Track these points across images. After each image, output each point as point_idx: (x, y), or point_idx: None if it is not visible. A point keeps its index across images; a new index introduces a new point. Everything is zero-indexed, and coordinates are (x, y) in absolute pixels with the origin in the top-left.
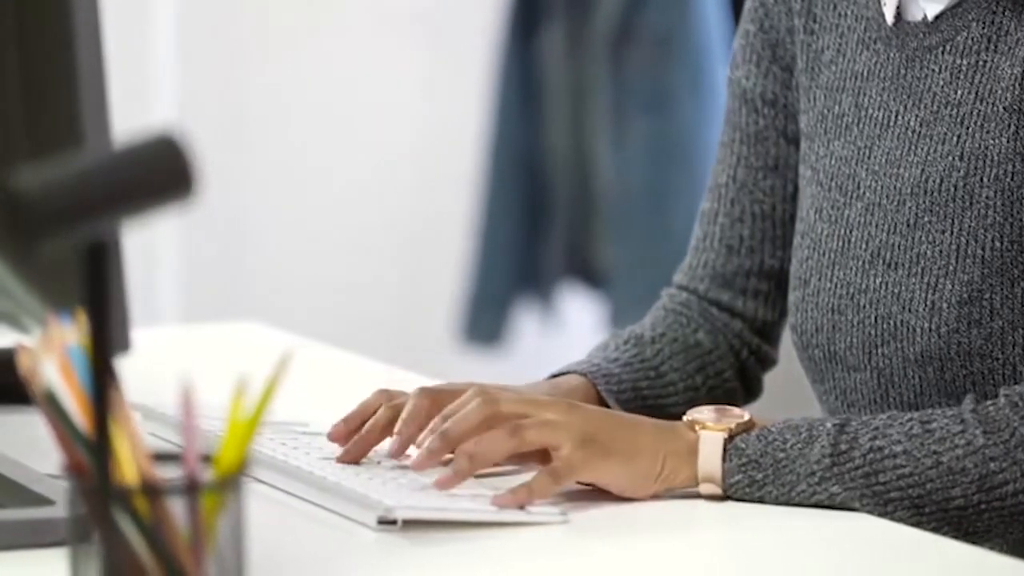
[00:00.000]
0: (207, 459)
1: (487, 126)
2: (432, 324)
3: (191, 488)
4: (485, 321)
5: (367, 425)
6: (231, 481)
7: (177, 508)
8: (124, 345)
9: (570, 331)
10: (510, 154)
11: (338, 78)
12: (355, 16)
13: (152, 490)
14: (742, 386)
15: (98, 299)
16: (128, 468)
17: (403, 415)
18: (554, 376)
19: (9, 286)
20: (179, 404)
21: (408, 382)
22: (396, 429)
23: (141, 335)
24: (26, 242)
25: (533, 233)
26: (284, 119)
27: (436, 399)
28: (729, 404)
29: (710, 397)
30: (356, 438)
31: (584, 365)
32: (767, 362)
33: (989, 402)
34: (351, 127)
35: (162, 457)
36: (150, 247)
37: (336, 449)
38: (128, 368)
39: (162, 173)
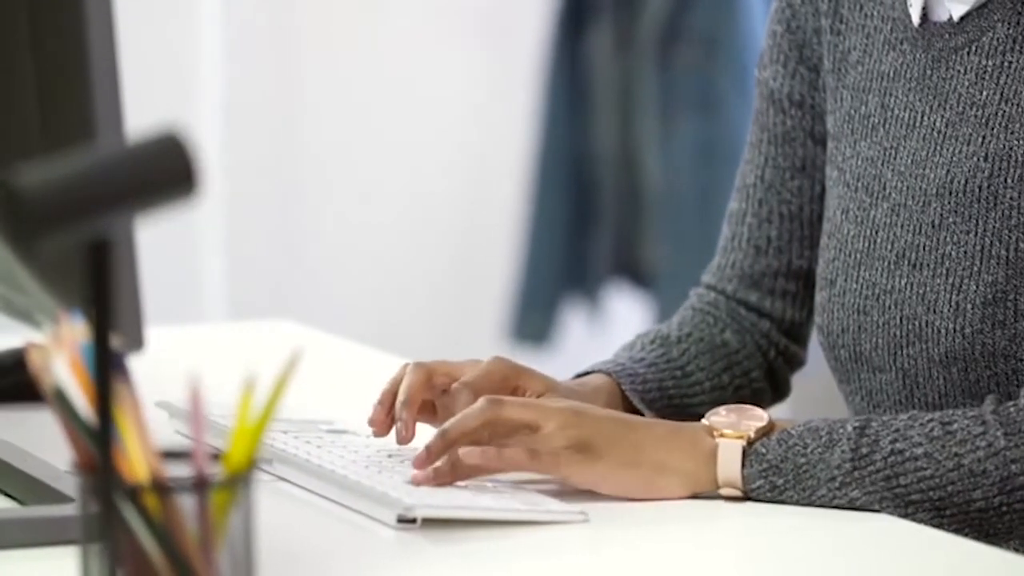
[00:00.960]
0: (217, 456)
1: (535, 126)
2: (480, 323)
3: (200, 485)
4: (533, 320)
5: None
6: (240, 479)
7: (186, 506)
8: (138, 343)
9: (617, 330)
10: (558, 154)
11: (387, 78)
12: (405, 17)
13: (159, 487)
14: (770, 386)
15: (100, 297)
16: (137, 465)
17: (400, 397)
18: (580, 376)
19: (23, 283)
20: (187, 402)
21: None
22: (396, 413)
23: (172, 333)
24: (27, 240)
25: (581, 233)
26: (333, 118)
27: (432, 372)
28: (755, 404)
29: (737, 397)
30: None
31: (609, 365)
32: (795, 362)
33: (1010, 403)
34: (400, 127)
35: (173, 454)
36: (197, 245)
37: (359, 446)
38: (157, 365)
39: (164, 171)
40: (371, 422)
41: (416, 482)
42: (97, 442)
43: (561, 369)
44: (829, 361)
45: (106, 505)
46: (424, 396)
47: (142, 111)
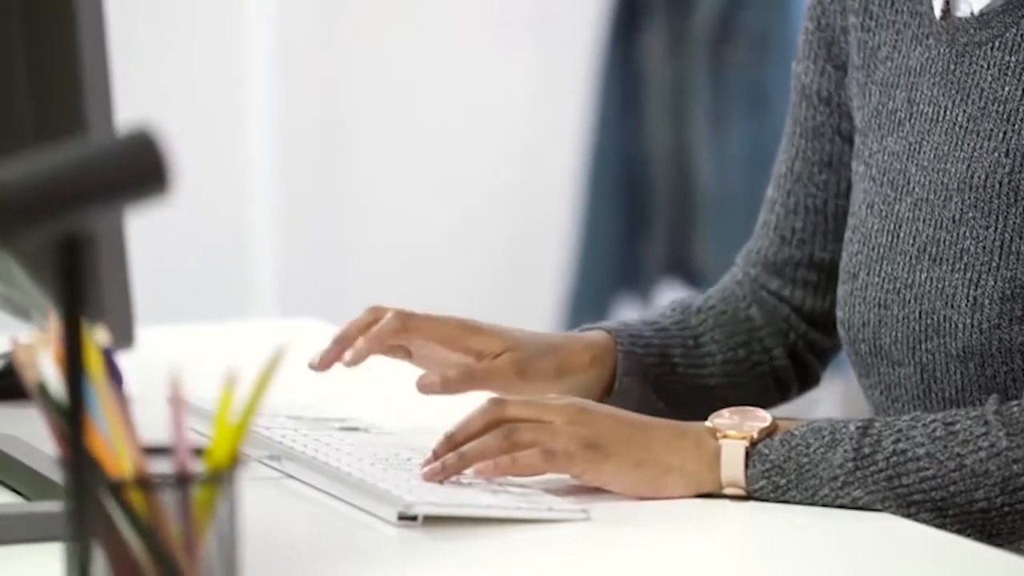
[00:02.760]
0: (200, 453)
1: (588, 127)
2: (532, 324)
3: (182, 482)
4: (585, 319)
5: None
6: (223, 475)
7: (169, 502)
8: (127, 341)
9: None
10: (610, 154)
11: (438, 80)
12: (457, 19)
13: (140, 482)
14: (795, 369)
15: (74, 292)
16: (121, 460)
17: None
18: (583, 330)
19: (18, 279)
20: (169, 398)
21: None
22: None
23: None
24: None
25: (633, 233)
26: (386, 117)
27: (407, 320)
28: (778, 385)
29: (754, 374)
30: None
31: (615, 323)
32: (821, 350)
33: (1013, 403)
34: (453, 126)
35: (157, 450)
36: (247, 246)
37: (369, 444)
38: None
39: (137, 169)
40: (315, 361)
41: (425, 477)
42: (71, 438)
43: None
44: (849, 355)
45: (78, 500)
46: (395, 340)
47: (193, 114)
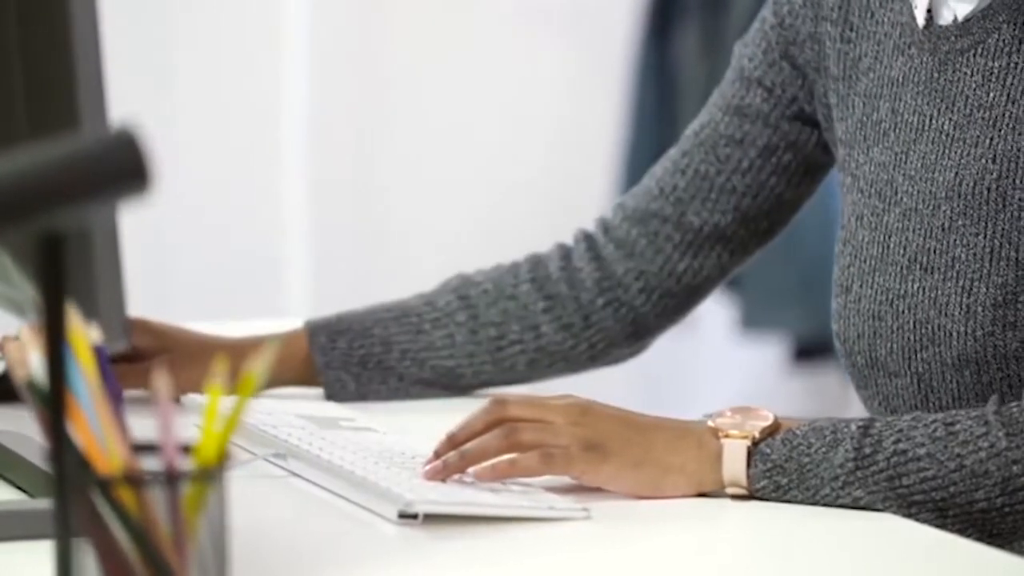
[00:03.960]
0: (188, 450)
1: (623, 125)
2: None
3: (170, 479)
4: None
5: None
6: (210, 473)
7: (157, 499)
8: (120, 338)
9: (702, 333)
10: (645, 153)
11: (473, 80)
12: (491, 18)
13: (128, 480)
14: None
15: (53, 290)
16: (108, 457)
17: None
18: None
19: (12, 275)
20: (155, 396)
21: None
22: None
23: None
24: None
25: None
26: (418, 118)
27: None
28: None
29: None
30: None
31: (331, 317)
32: (644, 325)
33: (1013, 404)
34: (487, 127)
35: (145, 448)
36: (279, 244)
37: (375, 443)
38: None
39: (117, 167)
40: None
41: (427, 476)
42: (52, 432)
43: (646, 370)
44: (846, 367)
45: (60, 496)
46: None
47: (229, 110)
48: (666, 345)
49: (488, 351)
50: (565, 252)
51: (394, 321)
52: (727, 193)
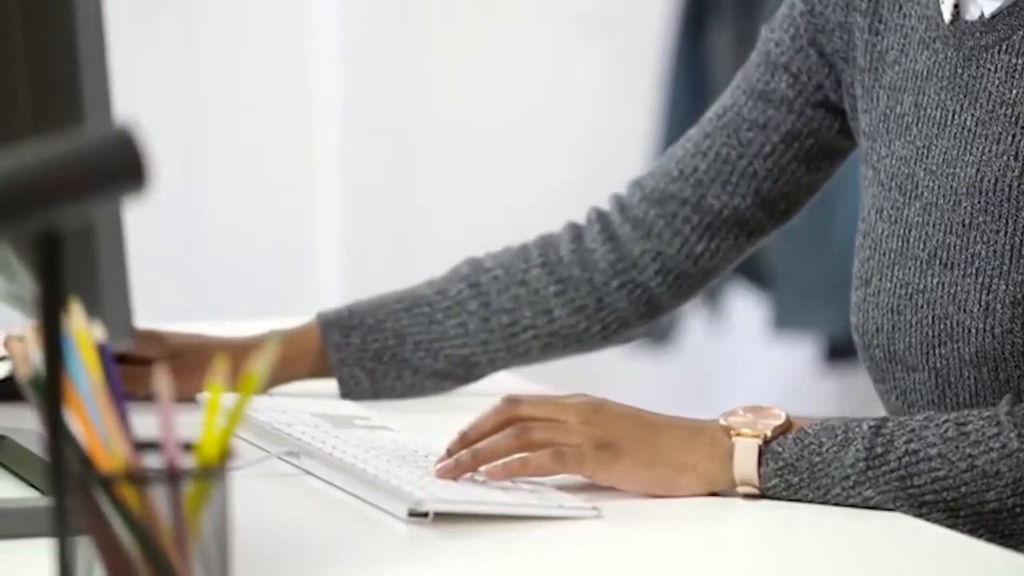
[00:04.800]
0: (189, 448)
1: (656, 125)
2: None
3: (172, 476)
4: None
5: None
6: (213, 471)
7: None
8: (126, 336)
9: (736, 331)
10: None
11: (506, 80)
12: (525, 18)
13: (131, 477)
14: (591, 324)
15: (51, 288)
16: (112, 455)
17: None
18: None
19: (17, 272)
20: (157, 394)
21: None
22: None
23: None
24: None
25: None
26: (451, 119)
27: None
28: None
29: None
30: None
31: (343, 309)
32: (656, 305)
33: None
34: (521, 128)
35: (147, 445)
36: (313, 243)
37: (388, 441)
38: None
39: (114, 166)
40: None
41: (438, 474)
42: (50, 436)
43: (681, 369)
44: (864, 361)
45: (57, 492)
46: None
47: (261, 108)
48: (699, 345)
49: (501, 338)
50: (576, 233)
51: (406, 312)
52: (748, 177)
